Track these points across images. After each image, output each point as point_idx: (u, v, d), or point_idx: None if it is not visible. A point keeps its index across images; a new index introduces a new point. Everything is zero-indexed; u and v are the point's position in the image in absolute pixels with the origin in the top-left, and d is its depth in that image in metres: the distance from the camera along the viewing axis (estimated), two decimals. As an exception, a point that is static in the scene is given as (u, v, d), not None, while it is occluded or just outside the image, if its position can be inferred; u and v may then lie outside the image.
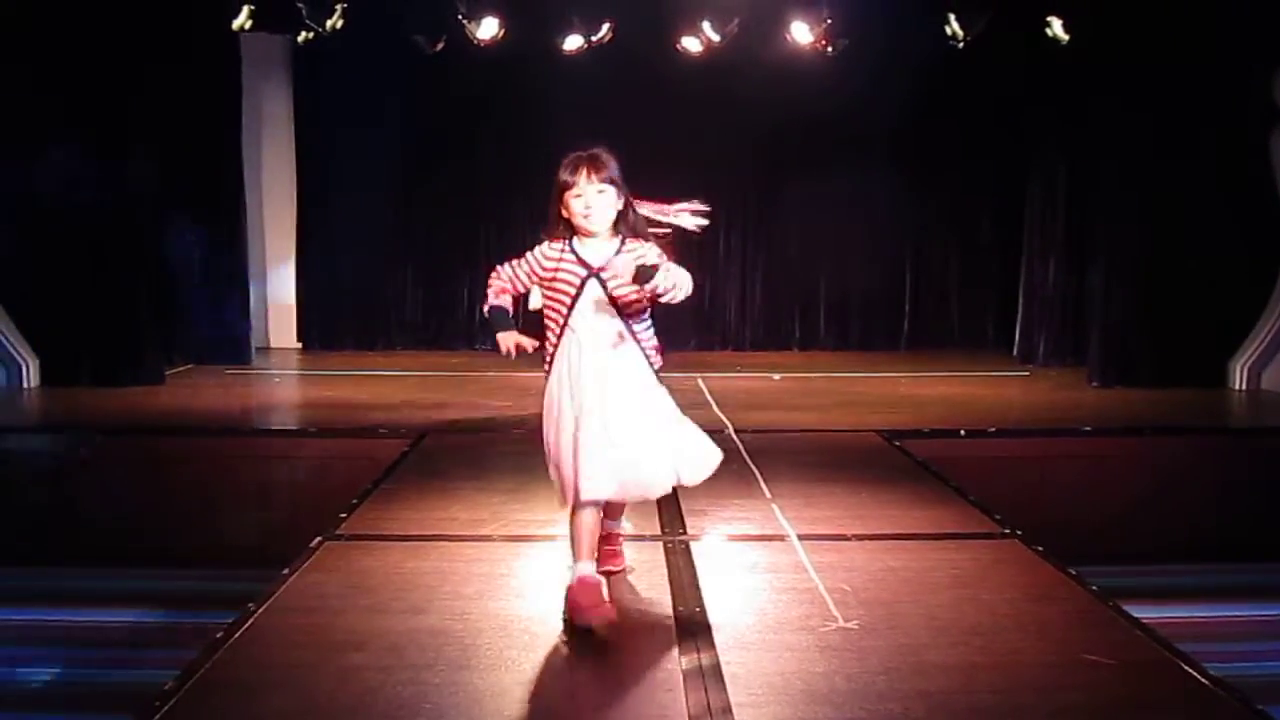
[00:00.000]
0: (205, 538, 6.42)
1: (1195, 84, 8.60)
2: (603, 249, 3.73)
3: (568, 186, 3.73)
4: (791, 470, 5.98)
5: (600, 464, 3.63)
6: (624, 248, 3.73)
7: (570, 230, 3.76)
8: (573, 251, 3.74)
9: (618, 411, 3.66)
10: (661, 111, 10.33)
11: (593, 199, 3.69)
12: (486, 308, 3.91)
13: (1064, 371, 9.92)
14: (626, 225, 3.76)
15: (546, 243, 3.79)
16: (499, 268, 3.88)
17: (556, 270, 3.73)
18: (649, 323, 3.81)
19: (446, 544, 4.63)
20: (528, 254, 3.81)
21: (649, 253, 3.70)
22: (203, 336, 10.12)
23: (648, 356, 3.78)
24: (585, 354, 3.69)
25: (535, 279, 3.80)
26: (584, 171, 3.71)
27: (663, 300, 3.65)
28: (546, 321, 3.80)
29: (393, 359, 10.76)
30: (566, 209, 3.75)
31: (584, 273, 3.71)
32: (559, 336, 3.75)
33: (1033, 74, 10.14)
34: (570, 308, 3.72)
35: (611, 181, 3.71)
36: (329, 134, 10.95)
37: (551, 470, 3.78)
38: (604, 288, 3.70)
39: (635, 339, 3.74)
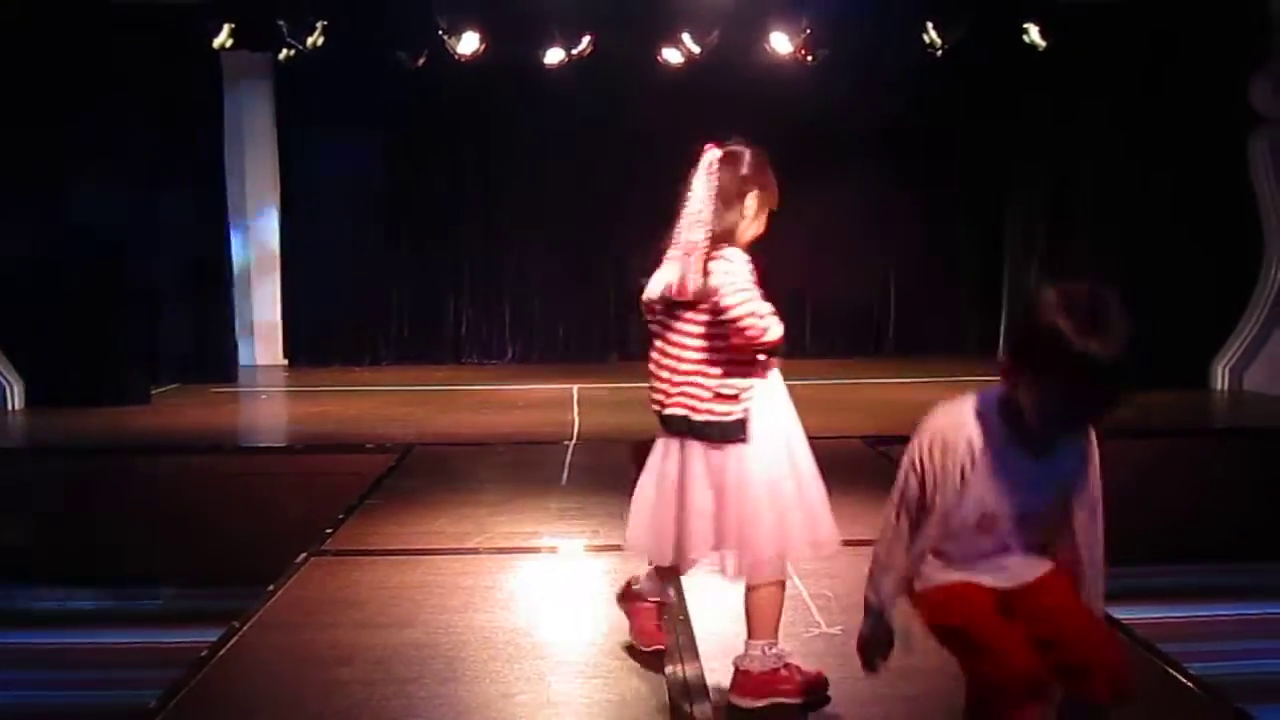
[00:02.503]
0: (191, 555, 6.42)
1: (1174, 87, 8.68)
2: None
3: (768, 199, 3.25)
4: (776, 478, 5.98)
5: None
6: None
7: (733, 242, 3.20)
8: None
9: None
10: (643, 123, 10.33)
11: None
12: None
13: (1047, 375, 9.92)
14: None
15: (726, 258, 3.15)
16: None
17: None
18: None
19: (432, 558, 4.64)
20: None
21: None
22: (188, 355, 10.05)
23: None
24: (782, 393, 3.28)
25: None
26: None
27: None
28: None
29: (378, 374, 10.73)
30: (758, 222, 3.26)
31: None
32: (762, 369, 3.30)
33: (1012, 80, 10.19)
34: None
35: None
36: (312, 150, 10.92)
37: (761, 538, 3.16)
38: None
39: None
